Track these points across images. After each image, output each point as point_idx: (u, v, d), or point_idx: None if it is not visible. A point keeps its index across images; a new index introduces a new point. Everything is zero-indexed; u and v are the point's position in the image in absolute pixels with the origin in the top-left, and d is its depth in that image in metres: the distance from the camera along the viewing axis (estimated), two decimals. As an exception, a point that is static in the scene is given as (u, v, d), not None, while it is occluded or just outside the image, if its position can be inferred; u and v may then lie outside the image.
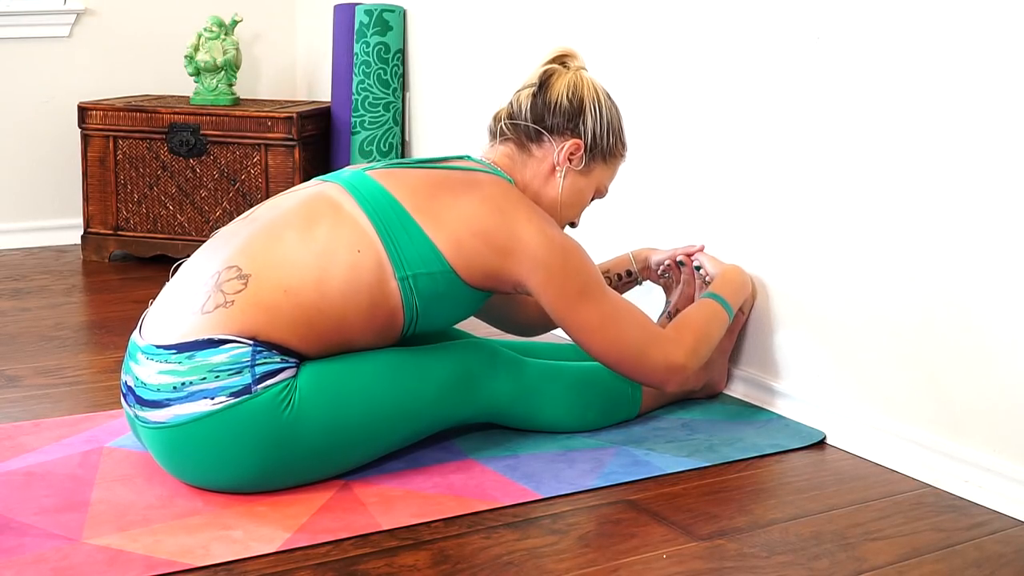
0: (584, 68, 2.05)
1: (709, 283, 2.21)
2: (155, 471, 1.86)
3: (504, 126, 2.02)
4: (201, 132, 3.35)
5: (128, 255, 3.50)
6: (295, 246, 1.79)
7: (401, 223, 1.82)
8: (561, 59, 2.04)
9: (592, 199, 2.09)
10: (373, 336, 1.83)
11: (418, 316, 1.84)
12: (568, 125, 1.99)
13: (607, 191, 2.10)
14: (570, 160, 2.00)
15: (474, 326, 2.35)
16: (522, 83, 2.04)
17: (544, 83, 2.01)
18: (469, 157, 2.00)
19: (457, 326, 2.17)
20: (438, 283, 1.83)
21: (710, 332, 2.05)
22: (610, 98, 2.05)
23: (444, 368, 1.88)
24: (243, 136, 3.34)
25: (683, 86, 2.40)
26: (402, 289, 1.81)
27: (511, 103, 2.04)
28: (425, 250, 1.82)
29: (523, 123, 2.00)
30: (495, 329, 2.36)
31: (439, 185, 1.88)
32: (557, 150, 1.99)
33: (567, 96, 1.99)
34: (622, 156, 2.08)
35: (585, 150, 2.00)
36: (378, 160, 3.43)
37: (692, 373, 2.04)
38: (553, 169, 2.00)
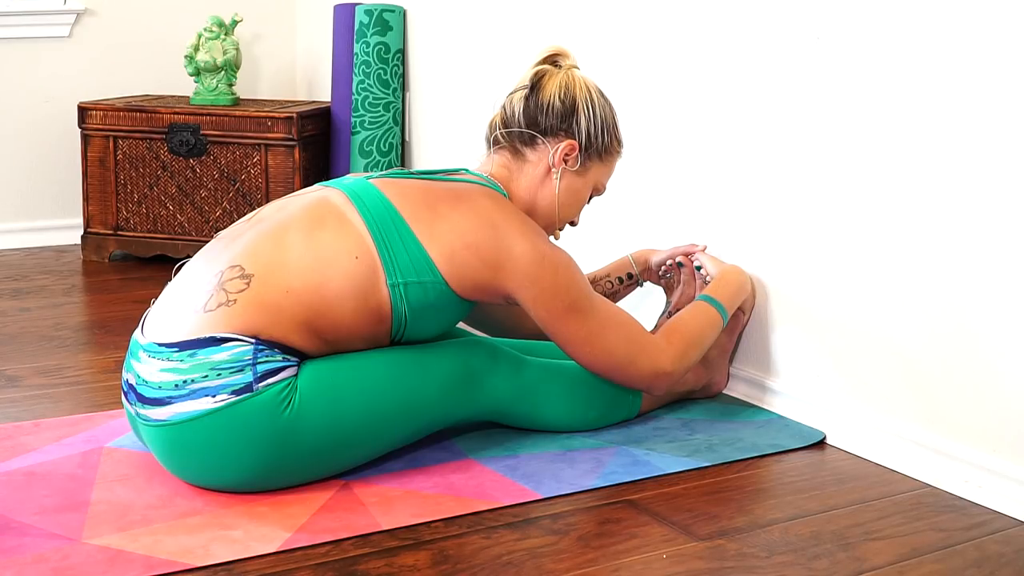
0: (576, 67, 2.05)
1: (709, 283, 2.21)
2: (155, 471, 1.86)
3: (499, 134, 2.02)
4: (201, 132, 3.35)
5: (128, 255, 3.50)
6: (298, 248, 1.80)
7: (398, 231, 1.83)
8: (552, 58, 2.04)
9: (591, 198, 2.09)
10: (362, 341, 1.84)
11: (406, 324, 1.85)
12: (561, 126, 1.99)
13: (605, 188, 2.10)
14: (565, 161, 2.00)
15: (474, 326, 2.35)
16: (514, 85, 2.04)
17: (536, 84, 2.01)
18: (466, 170, 2.00)
19: (457, 325, 2.18)
20: (428, 293, 1.83)
21: (701, 336, 2.07)
22: (603, 95, 2.04)
23: (445, 367, 1.88)
24: (243, 136, 3.34)
25: (683, 86, 2.40)
26: (392, 296, 1.81)
27: (504, 107, 2.03)
28: (418, 259, 1.82)
29: (516, 128, 2.00)
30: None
31: (437, 197, 1.88)
32: (552, 152, 1.99)
33: (559, 96, 1.99)
34: (618, 153, 2.07)
35: (580, 150, 2.00)
36: (378, 160, 3.44)
37: (680, 377, 2.06)
38: (549, 171, 2.00)
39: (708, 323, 2.09)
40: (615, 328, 1.95)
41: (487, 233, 1.86)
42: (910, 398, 1.95)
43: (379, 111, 3.43)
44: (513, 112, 2.01)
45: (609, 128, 2.03)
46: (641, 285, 2.36)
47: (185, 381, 1.71)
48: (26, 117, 3.65)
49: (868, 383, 2.03)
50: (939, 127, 1.85)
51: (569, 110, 1.99)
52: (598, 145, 2.01)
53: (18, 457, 1.92)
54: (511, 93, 2.03)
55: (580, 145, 1.99)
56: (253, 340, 1.72)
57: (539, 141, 1.99)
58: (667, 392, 2.14)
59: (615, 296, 2.34)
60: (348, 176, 1.99)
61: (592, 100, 2.01)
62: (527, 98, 2.00)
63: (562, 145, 1.99)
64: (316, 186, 1.97)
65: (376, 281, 1.81)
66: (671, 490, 1.85)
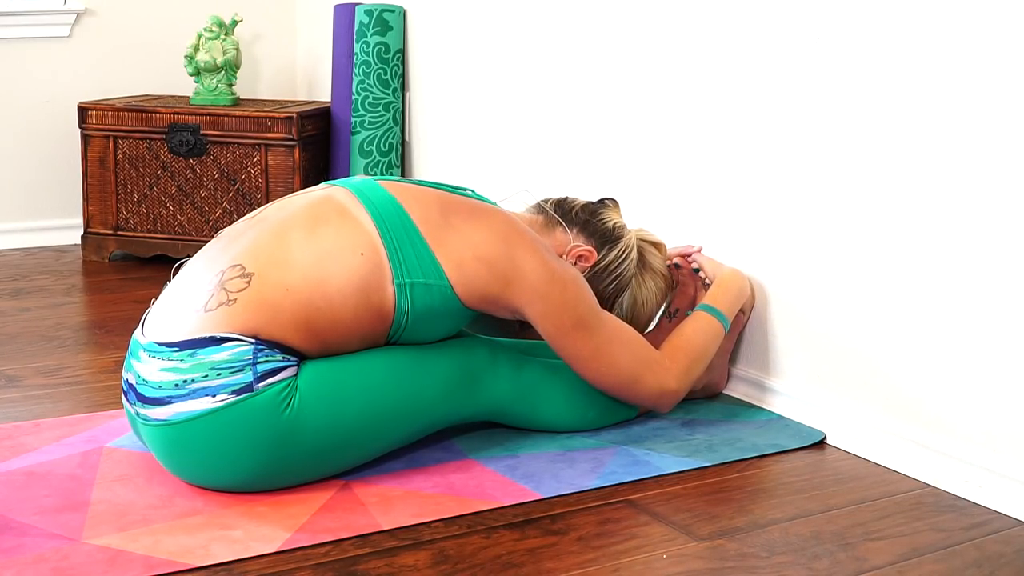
0: (640, 239, 2.15)
1: (708, 284, 2.21)
2: (155, 471, 1.86)
3: (545, 204, 2.12)
4: (201, 132, 3.35)
5: (128, 255, 3.50)
6: (299, 246, 1.80)
7: (407, 233, 1.83)
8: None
9: None
10: (359, 341, 1.83)
11: (406, 325, 1.84)
12: (596, 239, 2.09)
13: None
14: (576, 259, 2.07)
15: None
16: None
17: (604, 201, 2.14)
18: (473, 192, 2.01)
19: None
20: (433, 296, 1.83)
21: (704, 350, 2.10)
22: (643, 275, 2.12)
23: (445, 367, 1.88)
24: (243, 136, 3.34)
25: (683, 86, 2.40)
26: (397, 296, 1.81)
27: (566, 196, 2.15)
28: (427, 262, 1.83)
29: (565, 210, 2.10)
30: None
31: (449, 206, 1.90)
32: (573, 244, 2.07)
33: (613, 225, 2.10)
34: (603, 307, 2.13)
35: (592, 268, 2.07)
36: (378, 160, 3.44)
37: (684, 393, 2.08)
38: (560, 257, 2.04)
39: (711, 336, 2.10)
40: (621, 345, 1.96)
41: (499, 248, 1.87)
42: (910, 398, 1.95)
43: (379, 111, 3.43)
44: (572, 203, 2.12)
45: (619, 287, 2.10)
46: (641, 285, 2.36)
47: (185, 381, 1.71)
48: (26, 117, 3.65)
49: (868, 383, 2.03)
50: (939, 128, 1.85)
51: (611, 239, 2.09)
52: (600, 284, 2.08)
53: (18, 457, 1.92)
54: (577, 197, 2.16)
55: (595, 264, 2.07)
56: (253, 340, 1.72)
57: (572, 232, 2.07)
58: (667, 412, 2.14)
59: (616, 297, 2.35)
60: (355, 176, 1.99)
61: (631, 256, 2.09)
62: (589, 203, 2.13)
63: (583, 249, 2.06)
64: (321, 185, 1.97)
65: (381, 279, 1.81)
66: (671, 490, 1.85)
